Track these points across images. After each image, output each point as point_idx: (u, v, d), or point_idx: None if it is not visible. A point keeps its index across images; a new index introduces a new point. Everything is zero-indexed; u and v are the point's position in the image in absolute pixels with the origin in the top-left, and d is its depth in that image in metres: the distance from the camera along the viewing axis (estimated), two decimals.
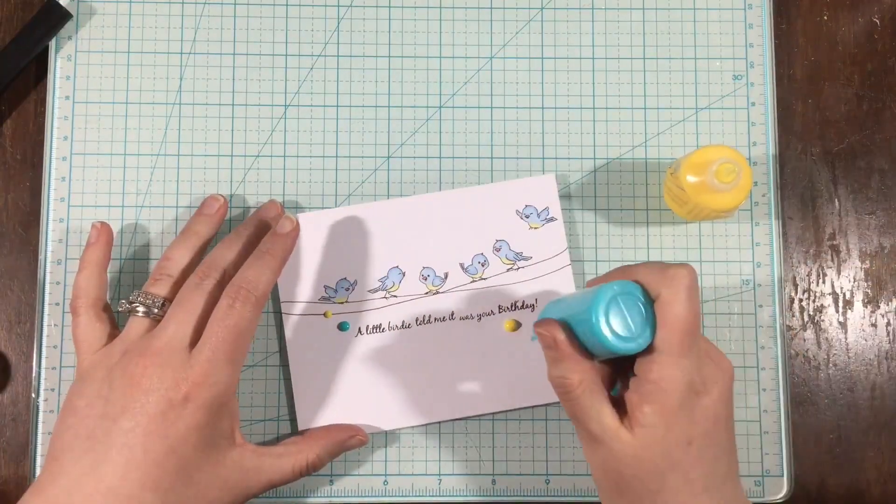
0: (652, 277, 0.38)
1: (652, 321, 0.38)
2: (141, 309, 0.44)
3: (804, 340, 0.52)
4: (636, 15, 0.53)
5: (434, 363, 0.49)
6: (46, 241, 0.50)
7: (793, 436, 0.50)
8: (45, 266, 0.50)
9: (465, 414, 0.49)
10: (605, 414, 0.38)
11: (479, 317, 0.49)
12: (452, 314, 0.49)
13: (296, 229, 0.48)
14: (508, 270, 0.50)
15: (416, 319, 0.49)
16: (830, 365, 0.52)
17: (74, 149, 0.51)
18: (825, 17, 0.54)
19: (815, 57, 0.54)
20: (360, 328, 0.49)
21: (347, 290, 0.49)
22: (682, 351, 0.37)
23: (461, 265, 0.50)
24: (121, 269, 0.50)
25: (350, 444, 0.47)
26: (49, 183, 0.51)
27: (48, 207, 0.50)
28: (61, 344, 0.50)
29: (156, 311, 0.44)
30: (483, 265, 0.50)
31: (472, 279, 0.50)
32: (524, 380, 0.49)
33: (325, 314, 0.49)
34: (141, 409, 0.41)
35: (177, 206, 0.51)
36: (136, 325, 0.44)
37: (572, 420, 0.40)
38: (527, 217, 0.50)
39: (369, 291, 0.49)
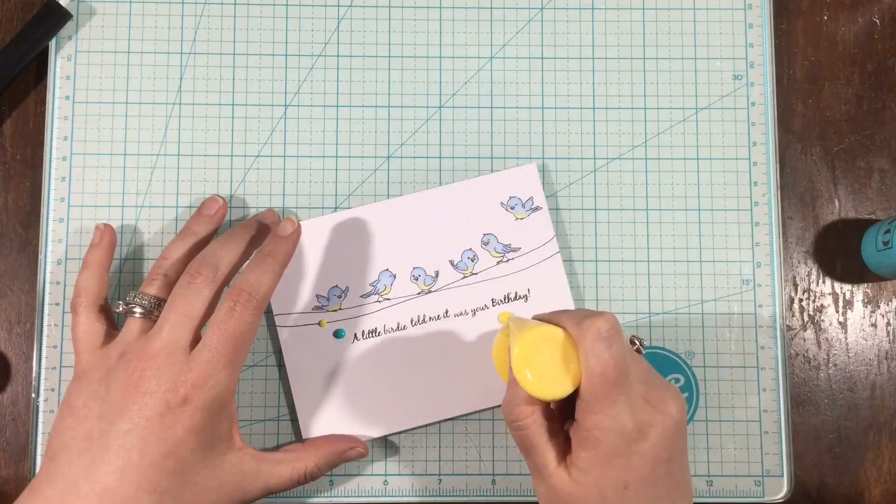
0: (571, 329, 0.39)
1: (575, 370, 0.39)
2: (138, 310, 0.44)
3: (804, 340, 0.52)
4: (636, 15, 0.53)
5: (433, 362, 0.49)
6: (46, 241, 0.50)
7: (793, 436, 0.50)
8: (45, 266, 0.50)
9: (467, 410, 0.49)
10: (548, 451, 0.40)
11: (474, 311, 0.49)
12: (447, 311, 0.49)
13: (297, 231, 0.48)
14: (499, 263, 0.50)
15: (411, 320, 0.49)
16: (830, 365, 0.52)
17: (74, 149, 0.51)
18: (825, 17, 0.54)
19: (815, 57, 0.54)
20: (355, 334, 0.49)
21: (340, 297, 0.49)
22: (607, 401, 0.38)
23: (451, 262, 0.50)
24: (120, 269, 0.50)
25: (349, 455, 0.47)
26: (49, 183, 0.51)
27: (48, 207, 0.50)
28: (61, 344, 0.50)
29: (153, 312, 0.44)
30: (473, 260, 0.50)
31: (463, 275, 0.50)
32: None
33: (319, 323, 0.49)
34: (139, 411, 0.40)
35: (177, 206, 0.51)
36: (134, 326, 0.44)
37: (519, 449, 0.42)
38: (512, 209, 0.50)
39: (361, 297, 0.49)
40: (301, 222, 0.49)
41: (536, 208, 0.50)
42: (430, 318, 0.49)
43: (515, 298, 0.50)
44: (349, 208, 0.50)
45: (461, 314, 0.49)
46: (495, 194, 0.50)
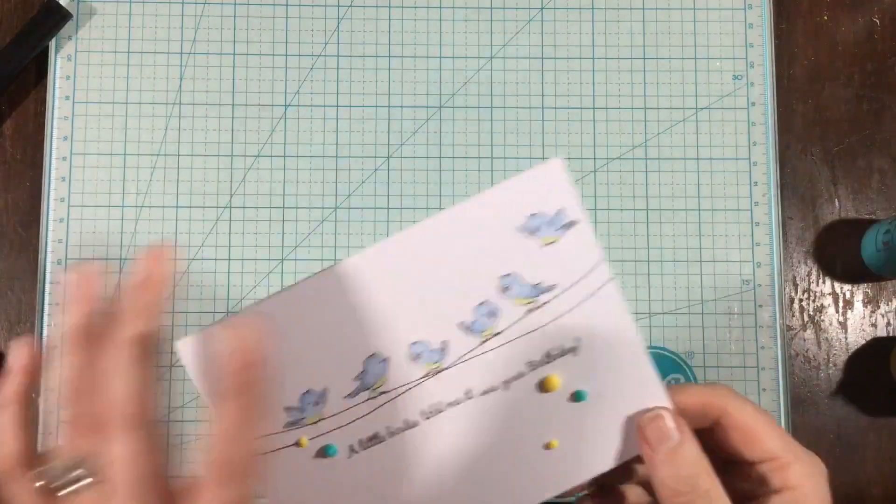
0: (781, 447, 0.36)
1: None
2: (75, 485, 0.32)
3: (804, 340, 0.52)
4: (636, 15, 0.53)
5: (464, 460, 0.36)
6: (46, 241, 0.50)
7: (793, 436, 0.50)
8: (45, 266, 0.50)
9: None
10: None
11: (506, 384, 0.35)
12: (469, 392, 0.35)
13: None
14: (529, 312, 0.35)
15: (422, 413, 0.36)
16: (830, 365, 0.52)
17: (74, 149, 0.51)
18: (825, 17, 0.54)
19: (815, 57, 0.54)
20: (351, 446, 0.36)
21: (317, 403, 0.35)
22: None
23: (462, 325, 0.35)
24: (121, 270, 0.50)
25: None
26: (49, 183, 0.51)
27: (48, 207, 0.50)
28: (61, 344, 0.49)
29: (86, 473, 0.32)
30: (492, 316, 0.35)
31: (482, 339, 0.35)
32: (583, 446, 0.36)
33: (298, 443, 0.35)
34: None
35: (177, 206, 0.51)
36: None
37: None
38: (536, 231, 0.34)
39: (347, 397, 0.35)
40: (241, 314, 0.35)
41: (570, 223, 0.34)
42: (447, 405, 0.36)
43: (561, 354, 0.35)
44: (304, 280, 0.34)
45: (489, 391, 0.35)
46: (507, 215, 0.34)
